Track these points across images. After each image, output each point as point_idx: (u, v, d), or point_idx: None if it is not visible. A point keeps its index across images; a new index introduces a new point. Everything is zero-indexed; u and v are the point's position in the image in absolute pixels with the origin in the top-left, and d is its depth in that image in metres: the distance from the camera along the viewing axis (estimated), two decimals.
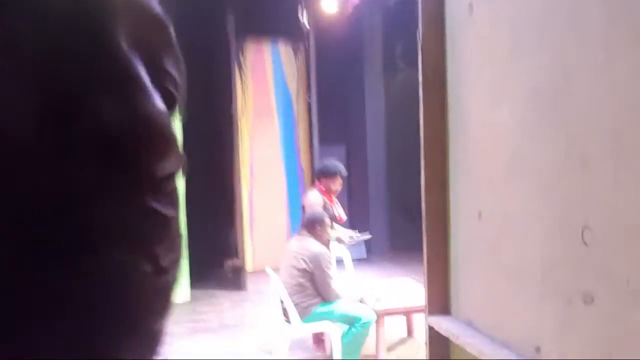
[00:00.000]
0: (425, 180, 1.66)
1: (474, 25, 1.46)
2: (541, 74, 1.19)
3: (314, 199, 4.59)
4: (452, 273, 1.63)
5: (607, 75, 0.98)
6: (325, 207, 4.56)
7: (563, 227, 1.15)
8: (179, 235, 0.33)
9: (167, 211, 0.31)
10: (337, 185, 4.57)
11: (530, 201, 1.26)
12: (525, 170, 1.27)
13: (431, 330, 1.65)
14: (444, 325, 1.59)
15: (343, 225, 4.96)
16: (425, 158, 1.65)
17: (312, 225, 4.24)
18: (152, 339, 0.30)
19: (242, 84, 7.48)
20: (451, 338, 1.55)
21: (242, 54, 7.52)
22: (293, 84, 7.65)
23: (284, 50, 7.59)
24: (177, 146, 0.32)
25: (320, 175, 4.60)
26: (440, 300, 1.65)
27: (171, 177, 0.32)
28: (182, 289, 6.37)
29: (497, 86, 1.37)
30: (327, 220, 4.30)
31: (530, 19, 1.22)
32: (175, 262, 0.32)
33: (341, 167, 4.62)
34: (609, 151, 1.00)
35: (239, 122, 7.16)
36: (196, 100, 6.76)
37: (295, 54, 7.59)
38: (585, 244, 1.07)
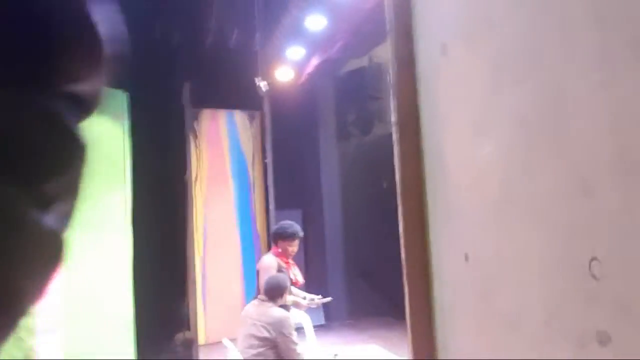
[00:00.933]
0: (403, 228, 1.55)
1: (449, 64, 1.42)
2: (528, 103, 1.14)
3: (269, 262, 4.43)
4: (438, 325, 1.49)
5: (606, 93, 0.93)
6: (279, 271, 4.38)
7: (567, 263, 1.05)
8: (79, 182, 0.26)
9: (74, 137, 0.25)
10: (294, 247, 4.44)
11: (525, 238, 1.16)
12: (516, 206, 1.19)
13: None
14: None
15: (300, 289, 4.75)
16: (402, 205, 1.55)
17: (272, 290, 4.00)
18: (23, 294, 0.23)
19: (196, 151, 7.36)
20: None
21: (197, 122, 7.47)
22: (248, 150, 7.60)
23: (239, 117, 7.60)
24: (103, 68, 0.27)
25: (277, 237, 4.46)
26: (426, 355, 1.50)
27: (88, 101, 0.26)
28: None
29: (478, 123, 1.31)
30: (288, 284, 4.09)
31: (512, 49, 1.19)
32: (68, 215, 0.25)
33: (298, 229, 4.52)
34: (614, 173, 0.93)
35: (192, 189, 6.96)
36: (149, 168, 6.56)
37: (251, 120, 7.61)
38: (595, 277, 0.97)
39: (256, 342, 3.79)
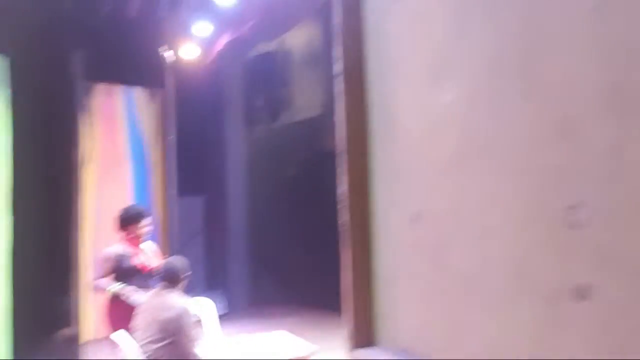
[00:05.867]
0: (348, 188, 1.39)
1: (404, 8, 1.28)
2: (497, 41, 1.03)
3: (105, 253, 3.92)
4: (378, 293, 1.35)
5: (600, 22, 0.84)
6: (122, 260, 3.89)
7: (540, 212, 0.95)
8: None
9: None
10: (145, 227, 3.98)
11: (489, 190, 1.05)
12: (479, 156, 1.08)
13: None
14: (372, 357, 1.28)
15: (150, 273, 4.32)
16: (347, 163, 1.39)
17: (169, 274, 3.59)
18: None
19: (89, 129, 6.64)
20: None
21: (90, 96, 6.75)
22: (149, 130, 7.02)
23: (139, 94, 6.98)
24: None
25: (124, 222, 3.96)
26: (364, 329, 1.35)
27: None
28: None
29: (437, 68, 1.19)
30: (185, 265, 3.71)
31: None
32: None
33: (141, 208, 4.09)
34: (604, 109, 0.84)
35: (82, 171, 6.25)
36: (32, 144, 5.77)
37: (152, 98, 7.04)
38: (574, 226, 0.88)
39: (155, 337, 3.39)
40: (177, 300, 3.49)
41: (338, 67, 1.40)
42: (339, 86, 1.40)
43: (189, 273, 3.71)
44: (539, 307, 0.94)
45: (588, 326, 0.86)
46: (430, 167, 1.19)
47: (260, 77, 7.70)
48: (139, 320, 3.53)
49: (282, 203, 7.96)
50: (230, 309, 7.19)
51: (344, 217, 1.39)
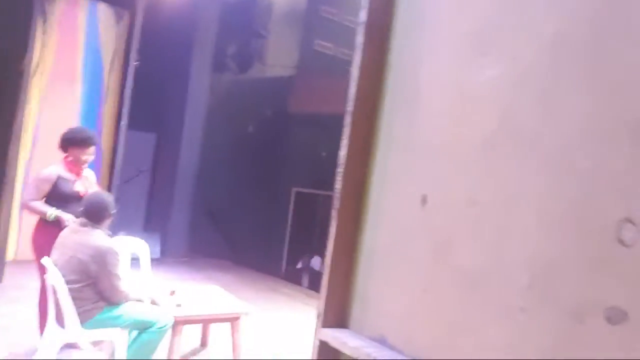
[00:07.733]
0: (346, 153, 1.23)
1: None
2: (565, 19, 0.89)
3: (45, 173, 3.59)
4: (362, 273, 1.22)
5: None
6: (63, 184, 3.58)
7: (582, 220, 0.84)
8: None
9: None
10: (88, 155, 3.64)
11: (522, 184, 0.93)
12: (518, 143, 0.95)
13: (322, 347, 1.21)
14: (345, 340, 1.16)
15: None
16: (351, 125, 1.22)
17: (97, 213, 3.24)
18: None
19: (43, 38, 6.04)
20: (354, 356, 1.12)
21: (49, 2, 6.12)
22: (108, 52, 6.48)
23: (104, 10, 6.40)
24: None
25: (66, 143, 3.63)
26: (338, 308, 1.22)
27: None
28: None
29: (482, 39, 1.04)
30: (112, 202, 3.37)
31: None
32: None
33: (92, 134, 3.76)
34: None
35: (29, 81, 5.69)
36: None
37: (118, 19, 6.47)
38: (623, 243, 0.78)
39: (74, 277, 3.07)
40: (101, 239, 3.14)
41: (362, 15, 1.22)
42: (359, 38, 1.22)
43: (114, 211, 3.36)
44: (559, 321, 0.84)
45: (614, 352, 0.77)
46: (454, 147, 1.05)
47: (236, 23, 7.29)
48: (57, 255, 3.16)
49: (236, 157, 7.70)
50: (165, 254, 6.95)
51: (337, 184, 1.24)
